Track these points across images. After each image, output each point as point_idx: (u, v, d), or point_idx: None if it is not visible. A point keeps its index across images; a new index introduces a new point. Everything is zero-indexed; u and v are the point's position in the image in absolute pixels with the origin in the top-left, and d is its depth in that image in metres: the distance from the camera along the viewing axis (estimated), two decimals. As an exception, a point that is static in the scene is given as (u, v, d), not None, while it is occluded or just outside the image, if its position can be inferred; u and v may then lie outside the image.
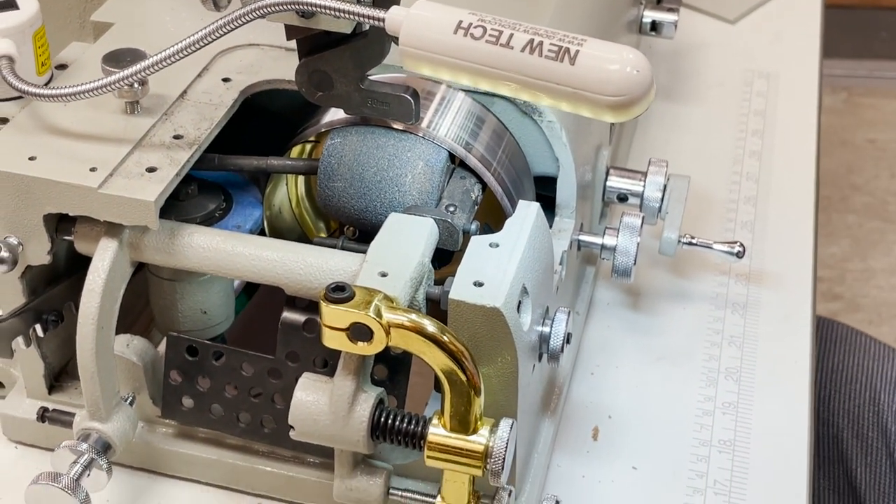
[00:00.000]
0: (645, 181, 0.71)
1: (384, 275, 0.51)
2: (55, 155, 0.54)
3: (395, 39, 0.49)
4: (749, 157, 0.87)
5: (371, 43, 0.53)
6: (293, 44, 0.61)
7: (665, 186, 0.71)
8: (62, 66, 0.61)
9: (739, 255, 0.71)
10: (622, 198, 0.72)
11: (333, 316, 0.49)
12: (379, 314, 0.49)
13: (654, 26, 0.87)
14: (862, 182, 2.27)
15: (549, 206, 0.64)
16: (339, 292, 0.49)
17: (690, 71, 0.97)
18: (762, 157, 0.87)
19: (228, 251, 0.55)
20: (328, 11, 0.48)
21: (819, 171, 0.87)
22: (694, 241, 0.71)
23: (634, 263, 0.67)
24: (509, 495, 0.54)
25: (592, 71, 0.42)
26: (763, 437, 0.65)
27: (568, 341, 0.58)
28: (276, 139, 0.64)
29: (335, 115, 0.60)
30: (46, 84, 0.60)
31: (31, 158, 0.54)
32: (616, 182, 0.72)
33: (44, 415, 0.60)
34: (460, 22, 0.44)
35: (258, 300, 0.70)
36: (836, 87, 2.49)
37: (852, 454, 0.87)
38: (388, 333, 0.49)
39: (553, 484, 0.62)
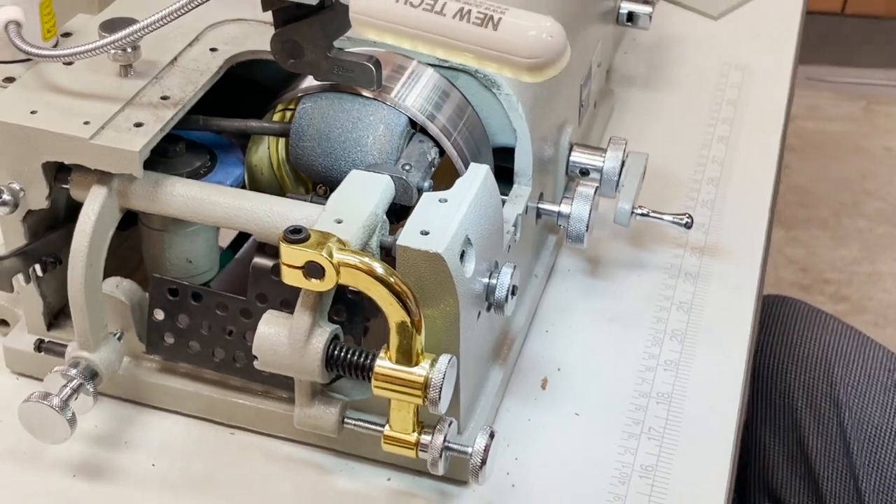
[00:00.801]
0: (605, 157, 0.77)
1: (339, 221, 0.58)
2: (54, 110, 0.61)
3: (353, 10, 0.55)
4: (717, 141, 0.93)
5: (337, 15, 0.59)
6: (278, 20, 0.68)
7: (623, 162, 0.77)
8: (67, 34, 0.68)
9: (688, 226, 0.77)
10: (584, 172, 0.78)
11: (290, 255, 0.56)
12: (330, 254, 0.55)
13: (630, 17, 0.92)
14: (875, 188, 2.30)
15: (511, 177, 0.70)
16: (297, 234, 0.56)
17: (670, 62, 1.03)
18: (729, 142, 0.93)
19: (205, 199, 0.61)
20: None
21: (782, 158, 0.92)
22: (646, 212, 0.77)
23: (587, 230, 0.73)
24: (449, 426, 0.60)
25: (512, 36, 0.48)
26: (698, 392, 0.70)
27: (513, 294, 0.64)
28: (260, 107, 0.70)
29: (310, 83, 0.66)
30: (52, 49, 0.66)
31: (32, 112, 0.61)
32: (578, 157, 0.78)
33: (40, 345, 0.67)
34: (402, -8, 0.50)
35: (243, 256, 0.76)
36: (854, 96, 2.53)
37: (805, 423, 0.92)
38: (338, 272, 0.55)
39: (500, 424, 0.67)
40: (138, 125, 0.61)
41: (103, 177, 0.61)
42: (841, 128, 2.48)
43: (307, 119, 0.64)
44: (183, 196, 0.61)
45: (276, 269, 0.62)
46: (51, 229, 0.66)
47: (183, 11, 0.58)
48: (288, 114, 0.70)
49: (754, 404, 0.96)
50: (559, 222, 0.74)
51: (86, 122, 0.60)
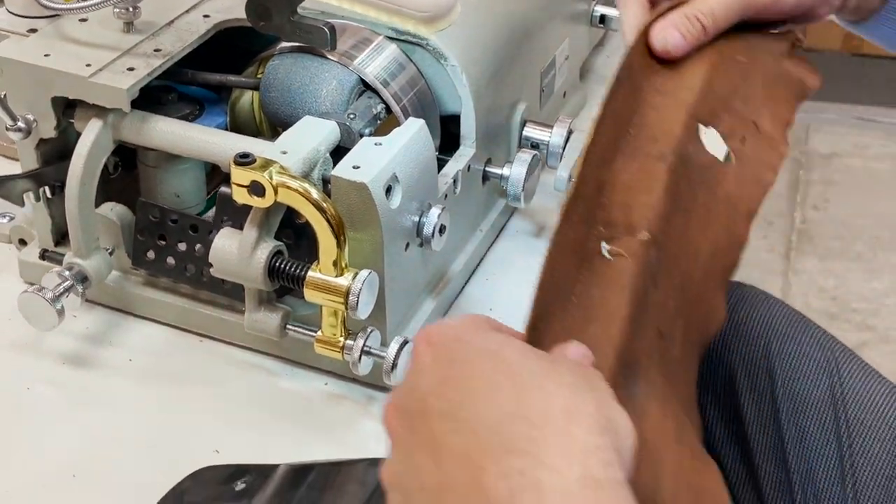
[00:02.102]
0: (551, 132, 0.87)
1: (284, 153, 0.69)
2: (63, 54, 0.74)
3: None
4: (674, 133, 1.02)
5: (299, -18, 0.71)
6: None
7: (567, 137, 0.87)
8: (87, -1, 0.81)
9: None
10: (534, 145, 0.88)
11: (239, 175, 0.67)
12: (271, 176, 0.67)
13: (603, 20, 1.03)
14: (918, 225, 2.33)
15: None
16: (245, 158, 0.67)
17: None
18: (686, 134, 1.02)
19: (181, 134, 0.73)
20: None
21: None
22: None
23: (523, 190, 0.83)
24: (370, 332, 0.70)
25: (410, -7, 0.59)
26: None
27: (441, 232, 0.74)
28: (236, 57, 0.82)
29: (282, 46, 0.78)
30: (71, 9, 0.79)
31: (45, 55, 0.74)
32: (530, 132, 0.88)
33: (44, 254, 0.79)
34: (331, -41, 0.62)
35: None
36: (904, 135, 2.57)
37: (742, 391, 1.00)
38: (276, 192, 0.67)
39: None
40: (130, 69, 0.73)
41: (101, 112, 0.74)
42: (888, 166, 2.52)
43: (274, 74, 0.76)
44: (163, 131, 0.73)
45: (238, 197, 0.73)
46: (60, 158, 0.79)
47: (168, -26, 0.70)
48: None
49: (700, 374, 1.04)
50: (501, 184, 0.84)
51: (87, 65, 0.73)
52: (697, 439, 0.59)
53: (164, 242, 0.76)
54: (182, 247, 0.76)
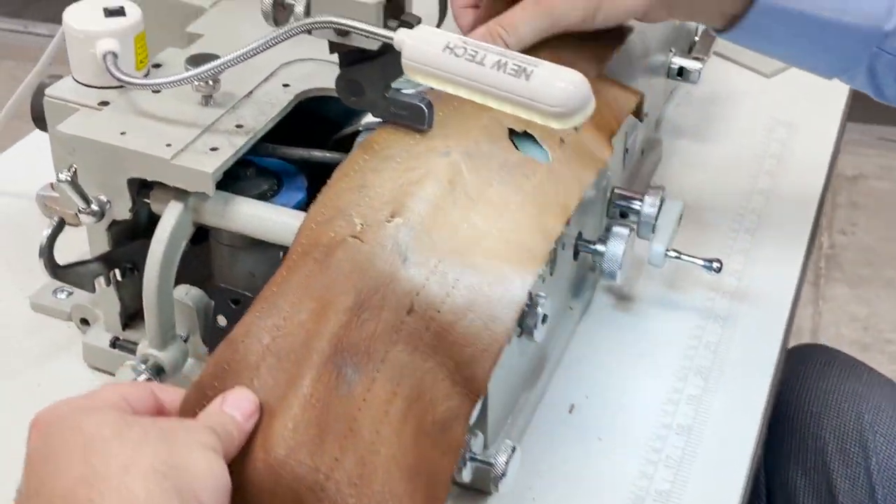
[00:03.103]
0: (643, 201, 0.82)
1: (385, 244, 0.64)
2: (141, 132, 0.69)
3: (408, 57, 0.62)
4: (757, 194, 0.97)
5: (395, 59, 0.66)
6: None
7: (660, 207, 0.82)
8: (157, 66, 0.76)
9: (717, 270, 0.81)
10: (623, 214, 0.83)
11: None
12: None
13: (681, 72, 0.98)
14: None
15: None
16: (345, 253, 0.62)
17: (720, 116, 1.08)
18: (770, 195, 0.97)
19: (269, 219, 0.68)
20: (355, 31, 0.61)
21: (820, 214, 0.96)
22: (678, 254, 0.82)
23: (620, 267, 0.78)
24: (474, 438, 0.65)
25: (542, 86, 0.54)
26: (717, 427, 0.75)
27: (544, 321, 0.69)
28: (325, 138, 0.77)
29: (369, 118, 0.73)
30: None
31: (122, 133, 0.68)
32: (620, 200, 0.83)
33: (115, 342, 0.74)
34: (448, 43, 0.57)
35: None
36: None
37: (834, 465, 0.95)
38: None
39: (526, 442, 0.73)
40: (213, 149, 0.68)
41: (180, 194, 0.68)
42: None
43: (364, 152, 0.71)
44: (249, 215, 0.68)
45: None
46: (131, 239, 0.74)
47: (259, 50, 0.65)
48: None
49: (787, 446, 1.00)
50: (595, 259, 0.79)
51: (168, 145, 0.68)
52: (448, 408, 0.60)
53: (244, 330, 0.71)
54: (264, 336, 0.71)
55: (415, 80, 0.60)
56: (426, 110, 0.67)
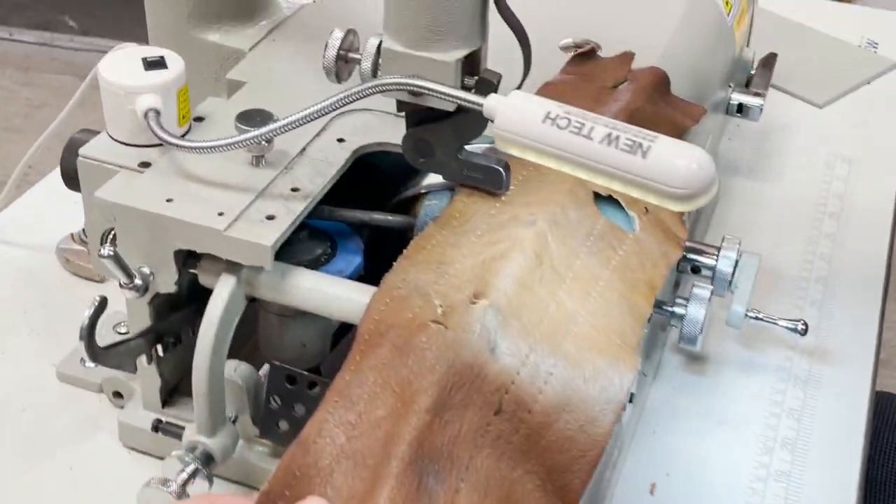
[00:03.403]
0: (718, 256, 0.76)
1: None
2: (189, 198, 0.62)
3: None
4: (824, 238, 0.92)
5: (471, 121, 0.60)
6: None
7: (736, 262, 0.76)
8: (199, 119, 0.69)
9: (802, 333, 0.76)
10: (695, 270, 0.77)
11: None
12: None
13: (741, 108, 0.92)
14: None
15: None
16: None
17: (774, 151, 1.02)
18: (836, 238, 0.91)
19: (329, 293, 0.62)
20: (437, 95, 0.55)
21: (892, 256, 0.91)
22: (760, 315, 0.76)
23: (701, 332, 0.72)
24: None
25: (662, 165, 0.48)
26: (811, 505, 0.69)
27: (630, 400, 0.64)
28: (380, 193, 0.71)
29: (433, 178, 0.67)
30: (185, 135, 0.68)
31: (168, 200, 0.62)
32: (690, 255, 0.77)
33: (158, 426, 0.68)
34: (548, 113, 0.51)
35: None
36: None
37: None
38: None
39: (608, 530, 0.67)
40: (270, 218, 0.62)
41: (232, 265, 0.62)
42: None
43: (432, 217, 0.65)
44: (309, 289, 0.62)
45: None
46: (173, 309, 0.67)
47: (324, 112, 0.59)
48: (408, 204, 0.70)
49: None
50: (672, 323, 0.73)
51: (220, 213, 0.61)
52: None
53: (301, 411, 0.65)
54: (324, 418, 0.64)
55: (507, 151, 0.53)
56: (503, 173, 0.61)
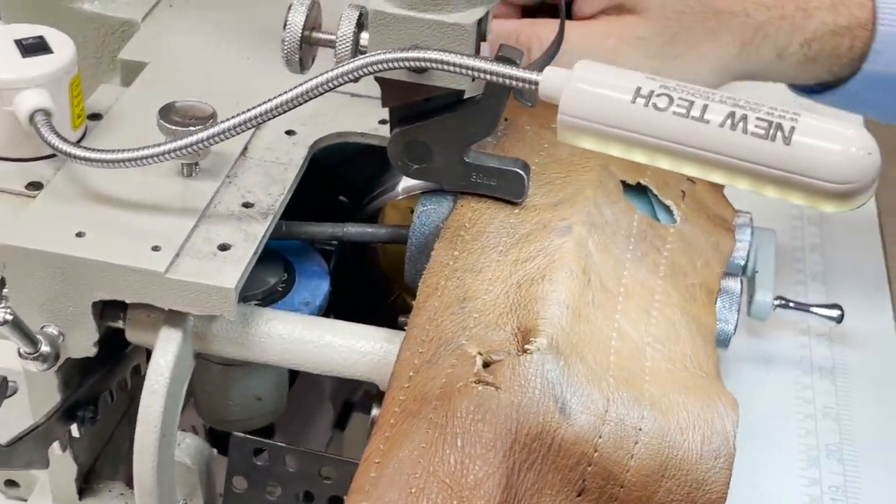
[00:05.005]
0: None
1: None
2: (107, 229, 0.46)
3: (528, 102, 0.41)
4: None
5: (482, 111, 0.45)
6: (358, 89, 0.54)
7: (750, 243, 0.64)
8: (96, 116, 0.52)
9: (839, 320, 0.65)
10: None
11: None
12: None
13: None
14: None
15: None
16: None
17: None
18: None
19: (315, 342, 0.47)
20: (471, 72, 0.40)
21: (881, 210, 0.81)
22: (789, 303, 0.65)
23: (735, 331, 0.60)
24: None
25: (812, 152, 0.35)
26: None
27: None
28: (322, 192, 0.56)
29: (408, 182, 0.52)
30: (81, 139, 0.51)
31: (78, 235, 0.45)
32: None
33: (83, 532, 0.51)
34: (639, 89, 0.37)
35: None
36: None
37: None
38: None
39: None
40: (223, 248, 0.46)
41: (174, 315, 0.46)
42: None
43: (431, 226, 0.50)
44: (285, 338, 0.47)
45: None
46: (86, 373, 0.51)
47: (295, 104, 0.43)
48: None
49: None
50: (695, 323, 0.61)
51: (154, 248, 0.45)
52: None
53: (277, 493, 0.50)
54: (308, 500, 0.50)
55: (576, 144, 0.39)
56: (524, 176, 0.47)
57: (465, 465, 0.39)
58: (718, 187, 0.56)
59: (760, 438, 0.63)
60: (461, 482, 0.39)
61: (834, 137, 0.35)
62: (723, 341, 0.61)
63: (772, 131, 0.35)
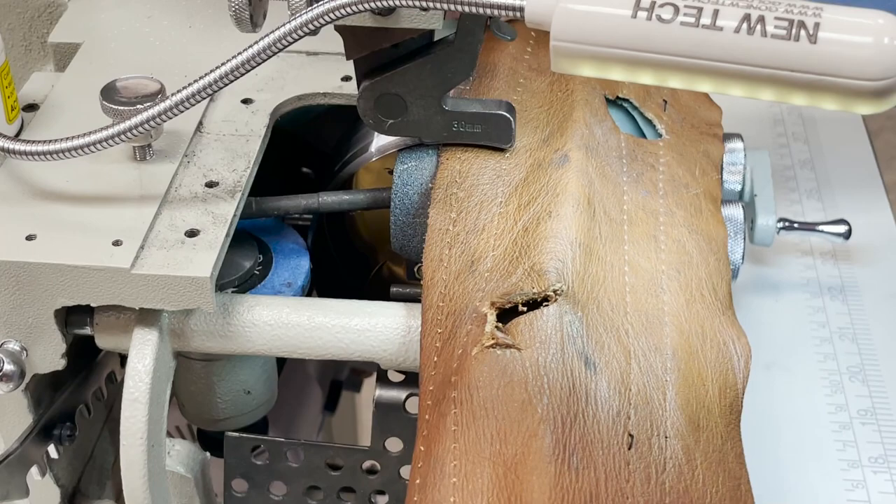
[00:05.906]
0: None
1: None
2: (60, 228, 0.41)
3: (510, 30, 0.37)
4: (789, 114, 0.78)
5: (458, 51, 0.41)
6: (314, 46, 0.49)
7: (745, 166, 0.61)
8: (32, 107, 0.47)
9: (847, 236, 0.62)
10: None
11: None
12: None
13: None
14: None
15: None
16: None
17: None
18: (803, 113, 0.78)
19: (305, 325, 0.42)
20: (445, 5, 0.36)
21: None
22: (794, 224, 0.62)
23: (742, 262, 0.57)
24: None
25: (843, 48, 0.31)
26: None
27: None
28: (284, 164, 0.52)
29: (382, 141, 0.48)
30: (18, 133, 0.46)
31: (28, 238, 0.41)
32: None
33: (72, 558, 0.47)
34: (639, 1, 0.33)
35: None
36: None
37: None
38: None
39: None
40: (191, 234, 0.42)
41: (146, 314, 0.42)
42: None
43: (415, 185, 0.45)
44: (272, 325, 0.42)
45: (410, 402, 0.44)
46: (57, 388, 0.46)
47: (252, 66, 0.39)
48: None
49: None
50: (699, 256, 0.57)
51: (115, 242, 0.40)
52: None
53: (280, 490, 0.46)
54: (318, 497, 0.46)
55: (574, 72, 0.35)
56: (511, 118, 0.43)
57: (503, 434, 0.35)
58: (702, 93, 0.52)
59: (779, 369, 0.60)
60: (504, 452, 0.35)
61: (864, 29, 0.31)
62: (732, 273, 0.57)
63: (794, 31, 0.32)
